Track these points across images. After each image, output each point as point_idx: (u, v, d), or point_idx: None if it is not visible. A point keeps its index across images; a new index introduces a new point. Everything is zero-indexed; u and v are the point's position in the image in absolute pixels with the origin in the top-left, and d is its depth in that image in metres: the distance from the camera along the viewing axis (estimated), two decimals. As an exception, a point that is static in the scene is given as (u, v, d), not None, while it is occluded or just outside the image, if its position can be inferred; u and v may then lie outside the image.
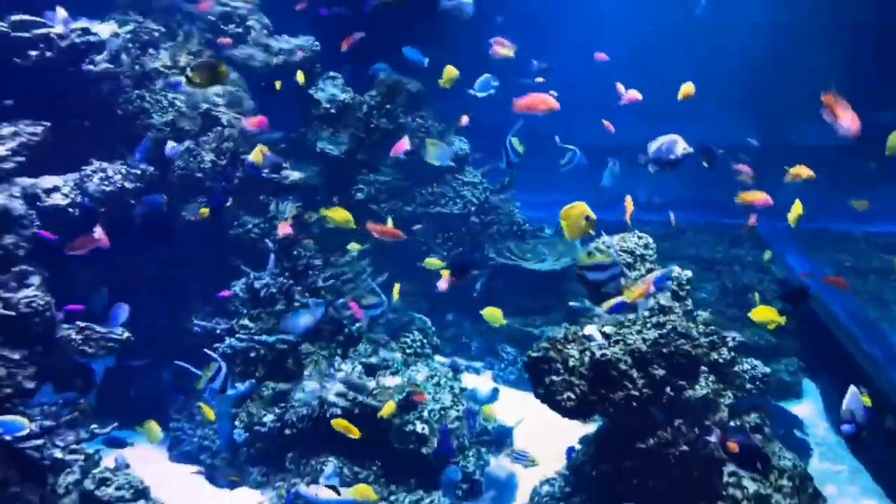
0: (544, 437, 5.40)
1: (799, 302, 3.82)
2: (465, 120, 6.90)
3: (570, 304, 6.56)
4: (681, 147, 3.99)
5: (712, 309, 7.96)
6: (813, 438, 5.87)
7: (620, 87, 5.83)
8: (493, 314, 4.95)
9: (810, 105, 3.67)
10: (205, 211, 5.16)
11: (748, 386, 4.25)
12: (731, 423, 4.08)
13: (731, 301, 7.69)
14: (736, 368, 4.23)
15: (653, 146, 4.08)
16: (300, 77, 5.94)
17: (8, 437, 3.47)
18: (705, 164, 3.92)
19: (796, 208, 4.64)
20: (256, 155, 5.05)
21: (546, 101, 4.48)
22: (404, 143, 5.46)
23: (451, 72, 5.40)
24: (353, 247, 5.25)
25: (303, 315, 4.78)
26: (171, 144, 5.41)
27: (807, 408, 6.45)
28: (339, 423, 4.39)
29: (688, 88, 5.01)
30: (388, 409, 4.63)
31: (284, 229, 5.21)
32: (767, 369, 4.35)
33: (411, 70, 6.94)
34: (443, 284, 5.05)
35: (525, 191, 8.55)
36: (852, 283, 7.69)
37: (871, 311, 6.75)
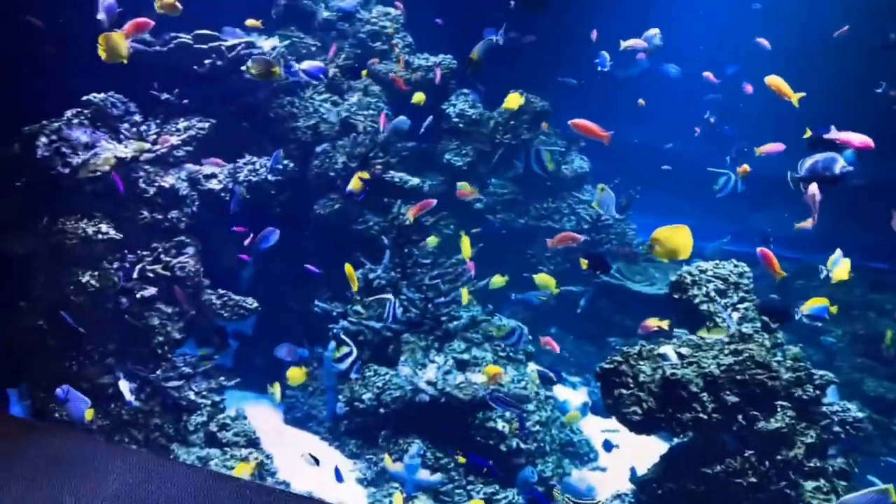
0: (627, 447, 5.49)
1: (778, 322, 3.71)
2: (544, 126, 7.23)
3: (674, 331, 6.49)
4: (840, 164, 3.73)
5: (840, 355, 7.49)
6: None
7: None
8: (544, 279, 5.15)
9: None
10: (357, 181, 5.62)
11: (836, 429, 4.07)
12: (811, 464, 3.96)
13: (860, 348, 7.19)
14: (823, 409, 4.09)
15: (807, 162, 3.82)
16: (416, 98, 6.39)
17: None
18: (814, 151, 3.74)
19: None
20: (355, 183, 5.45)
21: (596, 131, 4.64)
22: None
23: (512, 100, 6.09)
24: (431, 241, 5.67)
25: (285, 348, 5.36)
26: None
27: (935, 474, 5.89)
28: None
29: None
30: (491, 370, 5.12)
31: (412, 213, 5.77)
32: (860, 414, 4.13)
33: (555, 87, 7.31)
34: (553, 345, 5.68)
35: (651, 214, 8.47)
36: None
37: None
